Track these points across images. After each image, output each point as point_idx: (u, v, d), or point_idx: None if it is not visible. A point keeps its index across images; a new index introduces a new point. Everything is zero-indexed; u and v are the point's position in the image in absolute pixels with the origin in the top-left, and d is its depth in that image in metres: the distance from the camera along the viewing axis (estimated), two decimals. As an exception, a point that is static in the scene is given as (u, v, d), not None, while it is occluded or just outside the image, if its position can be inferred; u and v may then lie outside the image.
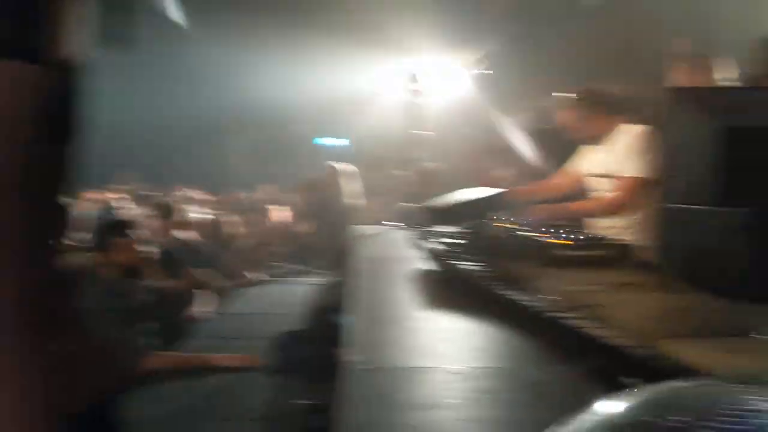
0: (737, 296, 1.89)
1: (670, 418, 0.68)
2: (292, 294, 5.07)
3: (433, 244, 3.08)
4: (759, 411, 0.65)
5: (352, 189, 6.99)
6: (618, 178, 3.29)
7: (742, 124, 2.14)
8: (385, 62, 8.51)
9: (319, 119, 10.70)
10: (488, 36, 8.14)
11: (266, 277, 6.23)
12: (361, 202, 6.96)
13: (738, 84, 4.76)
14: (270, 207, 8.34)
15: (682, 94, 2.46)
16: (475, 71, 8.26)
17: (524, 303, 1.83)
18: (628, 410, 0.73)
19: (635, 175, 3.21)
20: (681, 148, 2.45)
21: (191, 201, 7.21)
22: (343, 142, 11.32)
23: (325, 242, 6.50)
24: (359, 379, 1.35)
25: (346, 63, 9.10)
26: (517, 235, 2.74)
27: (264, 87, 9.71)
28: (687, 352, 1.37)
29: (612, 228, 3.28)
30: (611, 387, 1.30)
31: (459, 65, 8.36)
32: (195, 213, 6.18)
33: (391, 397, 1.24)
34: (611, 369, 1.35)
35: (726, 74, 5.18)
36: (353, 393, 1.29)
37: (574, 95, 3.50)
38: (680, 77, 5.32)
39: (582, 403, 1.24)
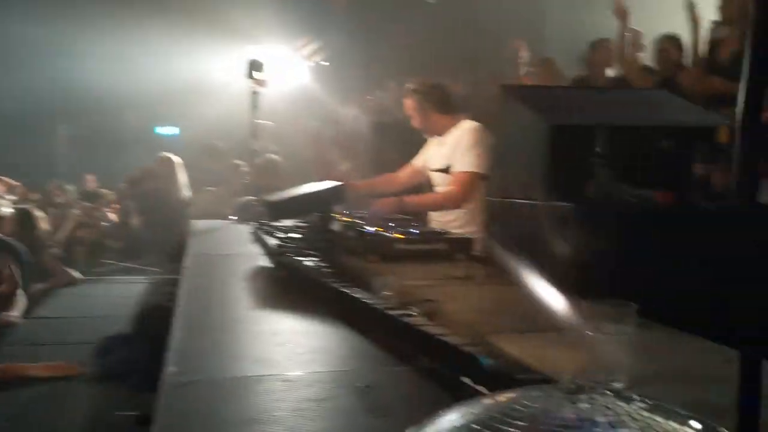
0: (563, 290, 1.96)
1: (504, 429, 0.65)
2: (119, 294, 4.71)
3: (271, 240, 2.98)
4: (590, 421, 0.62)
5: (184, 180, 6.66)
6: (453, 173, 3.36)
7: (566, 122, 2.24)
8: (228, 51, 8.23)
9: (158, 108, 10.12)
10: (328, 27, 8.11)
11: (90, 276, 5.76)
12: (189, 194, 6.64)
13: (571, 84, 5.09)
14: (98, 200, 7.77)
15: (513, 92, 2.53)
16: (314, 62, 8.21)
17: (362, 301, 1.78)
18: (463, 424, 0.69)
19: (468, 170, 3.28)
20: (512, 145, 2.53)
21: (3, 193, 6.53)
22: (182, 131, 10.78)
23: (157, 237, 6.14)
24: (182, 392, 1.23)
25: (187, 50, 8.70)
26: (356, 230, 2.70)
27: (99, 73, 9.04)
28: (517, 347, 1.39)
29: (449, 222, 3.35)
30: (447, 386, 1.28)
31: (299, 56, 8.26)
32: (6, 206, 5.57)
33: (215, 411, 1.14)
34: (447, 367, 1.33)
35: (561, 75, 5.53)
36: (174, 407, 1.16)
37: (412, 87, 3.53)
38: (518, 76, 5.60)
39: (419, 405, 1.21)
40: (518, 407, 0.67)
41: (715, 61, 3.88)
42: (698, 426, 0.67)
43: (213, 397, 1.21)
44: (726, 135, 2.20)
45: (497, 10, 8.03)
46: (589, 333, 1.15)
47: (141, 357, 2.71)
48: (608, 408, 0.65)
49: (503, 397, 0.71)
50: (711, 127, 2.23)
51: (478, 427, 0.64)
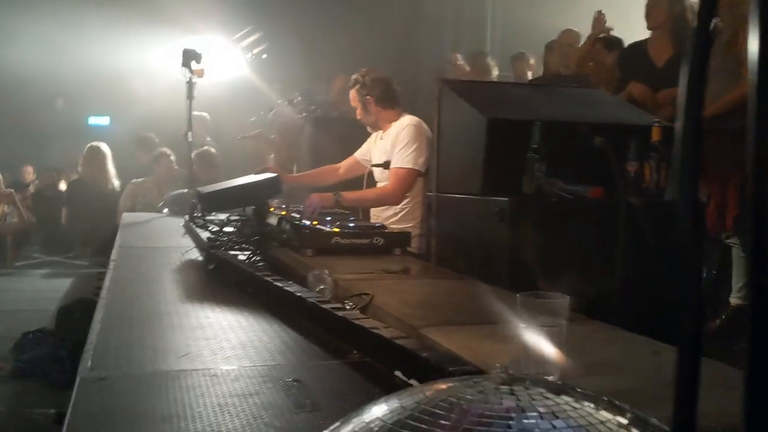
0: (498, 283, 1.97)
1: (433, 420, 0.62)
2: (43, 287, 4.50)
3: (204, 233, 2.89)
4: (521, 412, 0.60)
5: (112, 171, 6.44)
6: (391, 169, 3.34)
7: (502, 117, 2.24)
8: (165, 41, 8.00)
9: (91, 97, 9.73)
10: (267, 19, 8.00)
11: (12, 269, 5.50)
12: (117, 184, 6.44)
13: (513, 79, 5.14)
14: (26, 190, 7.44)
15: (451, 86, 2.52)
16: (253, 54, 8.08)
17: (294, 294, 1.74)
18: (392, 414, 0.65)
19: (405, 167, 3.27)
20: (450, 139, 2.53)
21: None
22: (114, 122, 10.41)
23: (85, 230, 5.92)
24: (99, 388, 1.16)
25: (123, 39, 8.41)
26: (292, 223, 2.64)
27: (27, 59, 8.61)
28: (450, 340, 1.37)
29: (389, 217, 3.33)
30: (379, 380, 1.25)
31: (238, 47, 8.12)
32: None
33: (132, 407, 1.07)
34: (381, 360, 1.30)
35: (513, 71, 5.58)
36: (89, 404, 1.09)
37: (355, 78, 3.51)
38: (457, 71, 5.63)
39: (350, 399, 1.17)
40: (450, 398, 0.64)
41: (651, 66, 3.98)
42: (629, 416, 0.65)
43: (132, 393, 1.14)
44: (658, 134, 2.24)
45: (440, 4, 8.08)
46: (524, 325, 1.13)
47: (62, 353, 2.58)
48: (540, 398, 0.63)
49: (434, 388, 0.68)
50: (644, 126, 2.27)
51: (409, 420, 0.61)
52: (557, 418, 0.61)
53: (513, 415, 0.61)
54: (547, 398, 0.63)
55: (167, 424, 1.00)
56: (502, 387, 0.64)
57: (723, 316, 3.47)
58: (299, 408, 1.09)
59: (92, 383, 1.17)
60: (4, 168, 8.49)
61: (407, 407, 0.66)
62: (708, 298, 3.45)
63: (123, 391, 1.15)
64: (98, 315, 1.67)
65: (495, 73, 5.75)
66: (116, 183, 6.47)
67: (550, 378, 0.97)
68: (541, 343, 1.11)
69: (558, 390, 0.66)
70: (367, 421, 0.67)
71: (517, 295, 1.14)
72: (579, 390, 0.67)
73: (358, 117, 3.58)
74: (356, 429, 0.63)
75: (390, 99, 3.48)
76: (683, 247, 0.46)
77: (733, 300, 3.39)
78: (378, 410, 0.68)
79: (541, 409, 0.61)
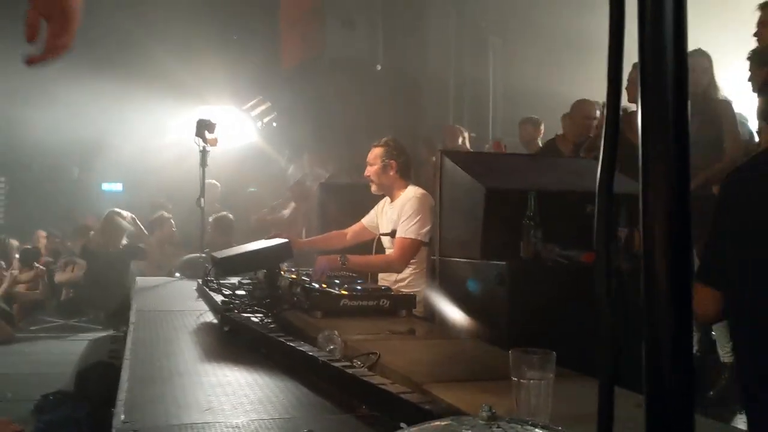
0: (498, 342, 2.09)
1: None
2: (59, 351, 4.61)
3: (217, 296, 3.02)
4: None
5: (131, 236, 6.62)
6: (397, 237, 3.49)
7: (500, 187, 2.41)
8: (177, 111, 8.30)
9: (106, 165, 10.01)
10: (275, 89, 8.30)
11: (27, 333, 5.62)
12: (141, 249, 6.62)
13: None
14: (43, 254, 7.60)
15: (452, 157, 2.70)
16: (263, 122, 8.37)
17: (306, 353, 1.86)
18: None
19: (409, 237, 3.42)
20: (451, 207, 2.68)
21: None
22: (127, 187, 10.67)
23: (102, 293, 6.06)
24: (129, 440, 1.28)
25: (138, 109, 8.71)
26: (301, 286, 2.77)
27: (49, 128, 8.90)
28: (452, 395, 1.49)
29: (396, 281, 3.46)
30: (388, 430, 1.36)
31: (248, 116, 8.41)
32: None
33: (163, 456, 1.19)
34: (388, 413, 1.41)
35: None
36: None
37: (386, 140, 3.64)
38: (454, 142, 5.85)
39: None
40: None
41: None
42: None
43: (162, 442, 1.26)
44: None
45: (442, 76, 8.38)
46: (516, 379, 1.26)
47: (79, 414, 2.69)
48: (521, 429, 0.76)
49: (430, 426, 0.81)
50: (634, 194, 2.42)
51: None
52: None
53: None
54: (527, 430, 0.76)
55: (197, 469, 1.12)
56: (488, 423, 0.76)
57: (724, 375, 3.55)
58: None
59: (125, 434, 1.29)
60: (16, 233, 8.70)
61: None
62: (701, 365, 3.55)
63: (153, 442, 1.27)
64: (125, 374, 1.79)
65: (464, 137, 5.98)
66: (124, 242, 6.66)
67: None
68: (531, 394, 1.23)
69: (535, 426, 0.78)
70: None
71: (510, 351, 1.27)
72: (553, 427, 0.80)
73: (369, 174, 3.66)
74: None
75: (407, 170, 3.65)
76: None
77: (727, 358, 3.48)
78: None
79: (521, 442, 0.74)
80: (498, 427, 0.75)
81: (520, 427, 0.76)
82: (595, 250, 0.58)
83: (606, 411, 0.54)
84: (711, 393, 3.53)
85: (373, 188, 3.72)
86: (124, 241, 6.60)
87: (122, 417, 1.39)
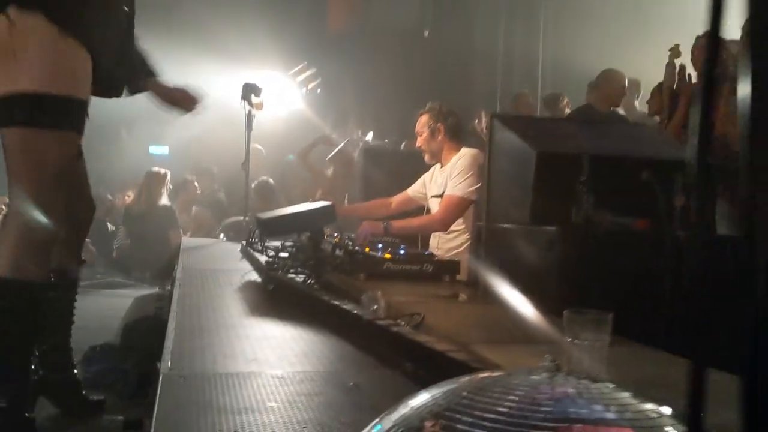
0: (547, 309, 2.04)
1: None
2: (106, 306, 4.72)
3: (261, 256, 3.03)
4: (568, 397, 0.69)
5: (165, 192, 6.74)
6: (444, 195, 3.44)
7: (553, 150, 2.33)
8: (223, 74, 8.32)
9: (152, 128, 10.13)
10: (321, 55, 8.24)
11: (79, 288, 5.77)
12: (166, 202, 6.76)
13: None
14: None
15: (503, 121, 2.63)
16: (307, 88, 8.34)
17: (351, 312, 1.85)
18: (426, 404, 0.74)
19: (456, 195, 3.37)
20: (500, 172, 2.62)
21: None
22: (173, 151, 10.80)
23: (147, 252, 6.17)
24: (176, 387, 1.28)
25: (182, 71, 8.75)
26: (345, 249, 2.76)
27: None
28: (499, 356, 1.45)
29: (446, 248, 3.42)
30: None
31: (293, 82, 8.39)
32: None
33: (210, 402, 1.19)
34: (433, 371, 1.39)
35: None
36: (169, 401, 1.21)
37: (432, 105, 3.57)
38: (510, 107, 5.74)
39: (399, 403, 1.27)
40: (500, 383, 0.73)
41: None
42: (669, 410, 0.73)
43: (209, 389, 1.26)
44: (704, 169, 2.30)
45: (492, 41, 8.21)
46: (569, 340, 1.22)
47: (126, 366, 2.74)
48: (585, 386, 0.72)
49: (483, 376, 0.78)
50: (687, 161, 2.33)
51: (467, 394, 0.70)
52: (599, 402, 0.70)
53: (561, 399, 0.70)
54: (591, 386, 0.72)
55: (244, 416, 1.12)
56: (550, 375, 0.73)
57: None
58: (360, 409, 1.19)
59: (174, 380, 1.30)
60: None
61: (460, 389, 0.75)
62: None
63: (200, 388, 1.27)
64: (171, 325, 1.81)
65: (531, 108, 5.87)
66: (167, 203, 6.76)
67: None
68: (585, 356, 1.19)
69: (600, 381, 0.75)
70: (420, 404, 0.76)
71: (564, 311, 1.22)
72: (620, 384, 0.76)
73: (420, 144, 3.62)
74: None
75: (458, 132, 3.57)
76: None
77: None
78: (431, 394, 0.77)
79: (585, 395, 0.71)
80: (562, 380, 0.72)
81: (585, 382, 0.72)
82: (691, 224, 0.53)
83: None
84: None
85: (426, 158, 3.65)
86: (166, 201, 6.71)
87: (169, 364, 1.39)
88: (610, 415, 0.65)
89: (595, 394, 0.68)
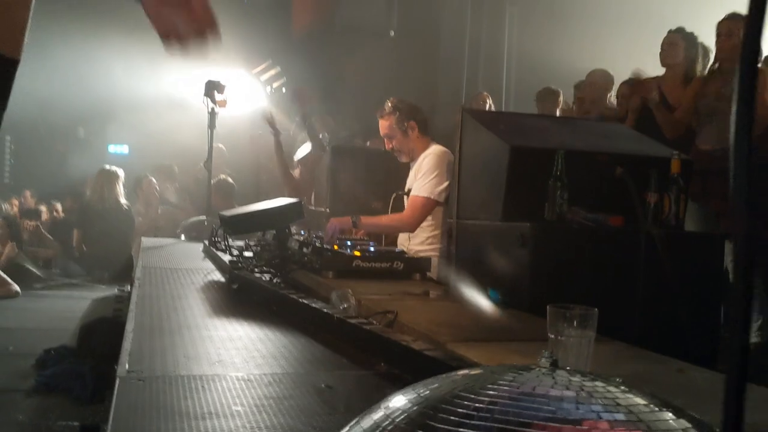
0: (517, 306, 2.00)
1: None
2: (62, 308, 4.55)
3: (225, 255, 2.94)
4: (564, 395, 0.63)
5: (122, 192, 6.58)
6: (411, 195, 3.38)
7: (526, 145, 2.29)
8: (183, 71, 8.14)
9: (112, 126, 9.86)
10: (286, 55, 8.13)
11: (32, 289, 5.56)
12: (125, 203, 6.61)
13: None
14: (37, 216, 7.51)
15: (475, 116, 2.58)
16: (272, 87, 8.22)
17: (320, 310, 1.77)
18: (407, 403, 0.69)
19: (422, 195, 3.30)
20: (471, 167, 2.58)
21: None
22: (133, 151, 10.53)
23: (100, 252, 5.99)
24: (135, 390, 1.19)
25: (143, 69, 8.55)
26: (312, 246, 2.69)
27: (57, 88, 8.73)
28: (477, 354, 1.40)
29: (414, 245, 3.36)
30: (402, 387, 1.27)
31: (257, 81, 8.26)
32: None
33: (172, 406, 1.11)
34: (409, 371, 1.33)
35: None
36: (127, 405, 1.13)
37: (393, 104, 3.45)
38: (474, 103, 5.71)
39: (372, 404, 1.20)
40: (491, 381, 0.67)
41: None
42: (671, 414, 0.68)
43: (170, 393, 1.18)
44: (677, 166, 2.28)
45: (458, 40, 8.20)
46: (552, 336, 1.17)
47: (84, 369, 2.62)
48: (581, 384, 0.66)
49: (470, 373, 0.72)
50: (664, 158, 2.31)
51: (462, 393, 0.64)
52: (597, 401, 0.64)
53: (557, 396, 0.64)
54: (587, 383, 0.67)
55: (208, 421, 1.04)
56: (547, 371, 0.67)
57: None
58: (333, 411, 1.12)
59: (132, 383, 1.21)
60: (16, 191, 8.57)
61: (446, 386, 0.69)
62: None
63: (161, 391, 1.19)
64: (129, 325, 1.71)
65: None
66: (124, 202, 6.60)
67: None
68: (570, 352, 1.14)
69: (596, 378, 0.69)
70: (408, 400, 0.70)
71: (548, 306, 1.17)
72: (615, 379, 0.70)
73: (392, 146, 3.48)
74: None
75: (426, 127, 3.47)
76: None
77: (752, 339, 3.39)
78: (417, 391, 0.71)
79: (582, 393, 0.65)
80: (559, 377, 0.66)
81: (581, 378, 0.67)
82: (734, 225, 0.47)
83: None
84: None
85: (403, 158, 3.52)
86: (123, 201, 6.54)
87: (126, 366, 1.30)
88: (624, 417, 0.60)
89: (607, 395, 0.63)
